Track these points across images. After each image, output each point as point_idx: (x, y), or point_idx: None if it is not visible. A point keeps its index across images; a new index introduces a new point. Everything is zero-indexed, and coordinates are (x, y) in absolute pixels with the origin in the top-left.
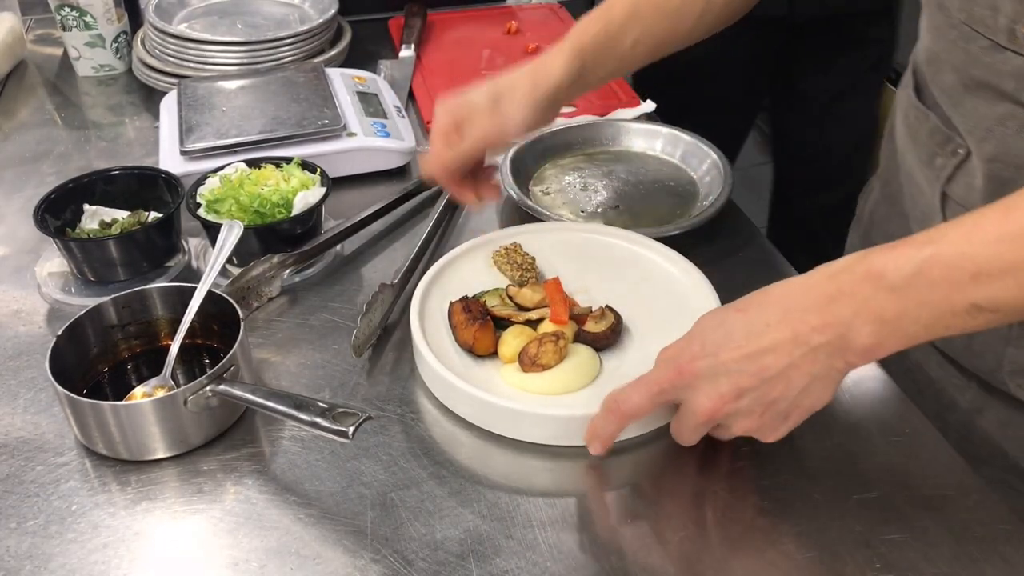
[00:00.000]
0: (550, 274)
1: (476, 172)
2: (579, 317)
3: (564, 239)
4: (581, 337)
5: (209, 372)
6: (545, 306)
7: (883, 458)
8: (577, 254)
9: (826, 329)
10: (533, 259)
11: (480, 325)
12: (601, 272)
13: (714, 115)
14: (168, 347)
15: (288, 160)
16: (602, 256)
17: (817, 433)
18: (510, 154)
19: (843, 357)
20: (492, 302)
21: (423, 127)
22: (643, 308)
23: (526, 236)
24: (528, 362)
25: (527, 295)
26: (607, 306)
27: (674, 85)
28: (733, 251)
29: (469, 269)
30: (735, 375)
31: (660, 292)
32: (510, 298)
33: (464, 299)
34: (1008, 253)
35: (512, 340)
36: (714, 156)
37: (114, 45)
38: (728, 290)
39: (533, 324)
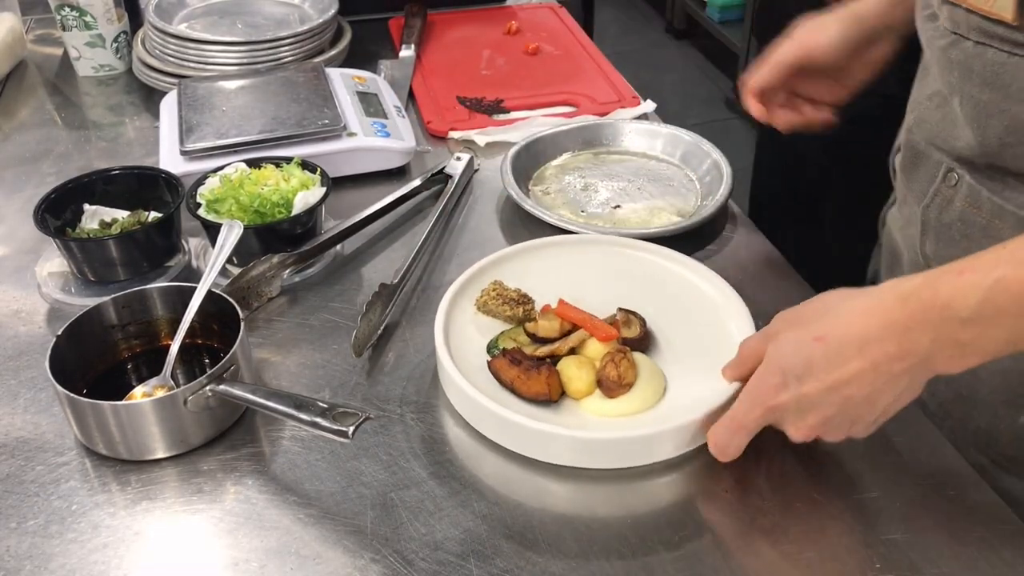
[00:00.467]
0: (538, 298)
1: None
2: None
3: (519, 261)
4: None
5: (209, 372)
6: (569, 332)
7: (883, 458)
8: (549, 270)
9: (906, 357)
10: (520, 289)
11: (548, 370)
12: (584, 280)
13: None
14: (168, 347)
15: (288, 160)
16: (577, 263)
17: (818, 441)
18: (510, 154)
19: (926, 374)
20: (511, 346)
21: (423, 127)
22: (637, 300)
23: (499, 270)
24: (613, 386)
25: (547, 326)
26: (621, 308)
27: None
28: (733, 251)
29: (460, 322)
30: (820, 407)
31: (643, 281)
32: (530, 335)
33: (504, 353)
34: None
35: (578, 372)
36: (714, 156)
37: (114, 45)
38: None
39: (572, 351)
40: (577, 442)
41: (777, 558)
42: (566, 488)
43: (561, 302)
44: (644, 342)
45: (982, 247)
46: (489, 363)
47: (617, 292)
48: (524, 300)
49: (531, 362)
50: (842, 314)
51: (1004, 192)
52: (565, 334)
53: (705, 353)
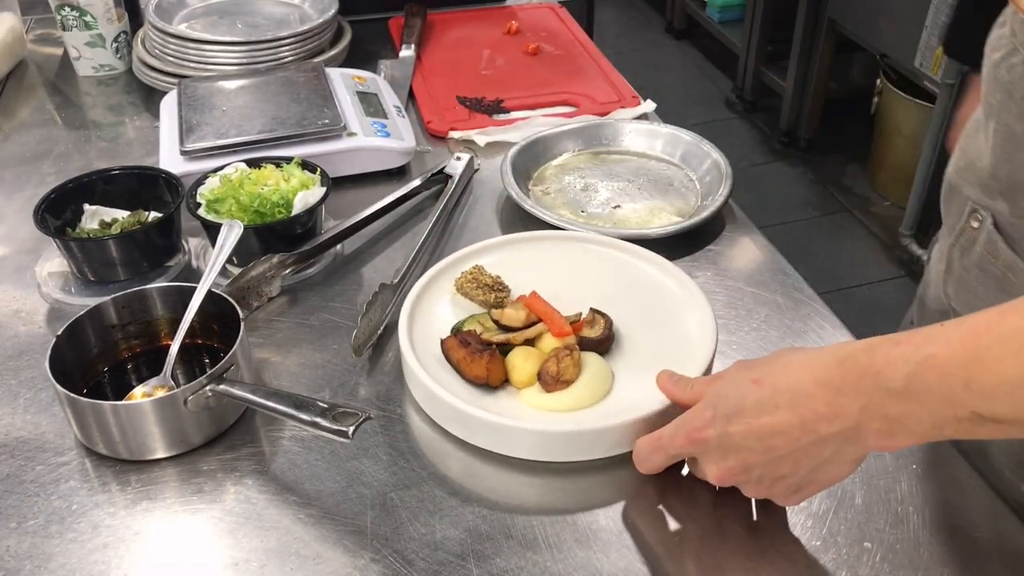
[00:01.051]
0: (515, 290)
1: None
2: (574, 326)
3: (515, 251)
4: (582, 345)
5: (209, 372)
6: (533, 323)
7: (883, 459)
8: (534, 263)
9: (834, 420)
10: (499, 277)
11: (490, 356)
12: (562, 276)
13: None
14: (168, 347)
15: (288, 160)
16: (558, 260)
17: None
18: (510, 154)
19: (856, 445)
20: (475, 330)
21: (423, 127)
22: (618, 304)
23: (481, 257)
24: (551, 381)
25: (512, 315)
26: (592, 309)
27: None
28: (733, 251)
29: (432, 304)
30: (743, 451)
31: (628, 285)
32: (495, 321)
33: (457, 333)
34: (998, 364)
35: (523, 363)
36: (714, 156)
37: (114, 45)
38: (727, 291)
39: (530, 343)
40: (491, 426)
41: (776, 558)
42: (566, 487)
43: (533, 294)
44: (604, 344)
45: (996, 301)
46: (442, 341)
47: (600, 292)
48: (499, 287)
49: (478, 346)
50: (784, 364)
51: (1020, 243)
52: (530, 325)
53: (663, 364)
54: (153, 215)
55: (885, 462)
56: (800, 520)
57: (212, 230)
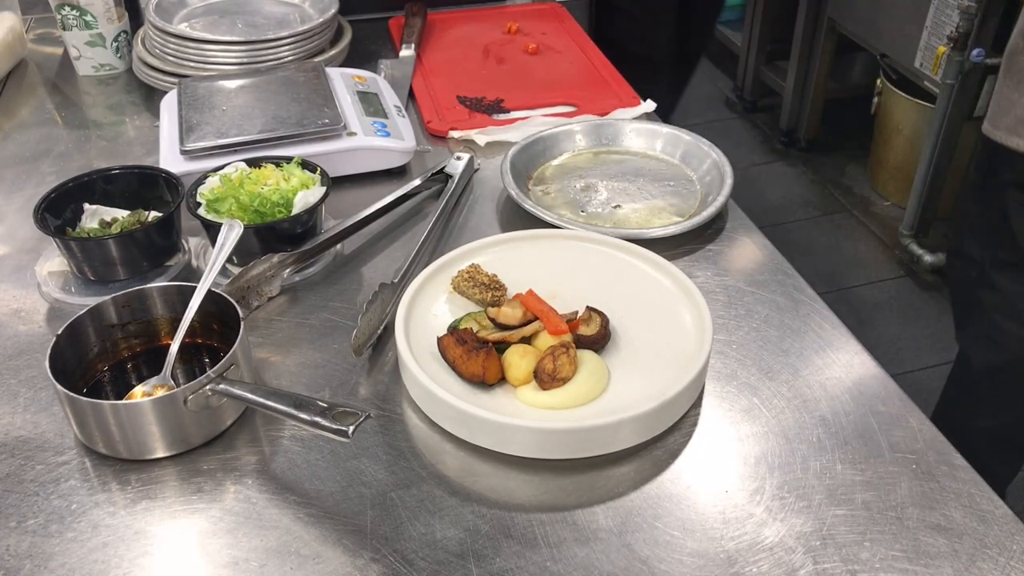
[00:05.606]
0: (511, 288)
1: None
2: (570, 323)
3: (511, 250)
4: (579, 342)
5: (209, 371)
6: (530, 321)
7: (883, 458)
8: (530, 262)
9: None
10: (496, 276)
11: (487, 353)
12: (559, 275)
13: None
14: (168, 346)
15: (288, 159)
16: (554, 259)
17: (819, 440)
18: (510, 154)
19: None
20: (472, 328)
21: (423, 127)
22: (614, 302)
23: (478, 255)
24: (547, 379)
25: (509, 313)
26: (588, 306)
27: None
28: (733, 251)
29: (429, 302)
30: None
31: (623, 282)
32: (491, 320)
33: (453, 331)
34: None
35: (519, 361)
36: (714, 156)
37: (114, 44)
38: (727, 291)
39: (526, 340)
40: (487, 424)
41: (777, 558)
42: (565, 485)
43: (529, 292)
44: (600, 341)
45: None
46: (439, 339)
47: (596, 290)
48: (495, 286)
49: (475, 344)
50: None
51: None
52: (527, 323)
53: (659, 361)
54: (153, 215)
55: (885, 461)
56: (801, 519)
57: (212, 230)
